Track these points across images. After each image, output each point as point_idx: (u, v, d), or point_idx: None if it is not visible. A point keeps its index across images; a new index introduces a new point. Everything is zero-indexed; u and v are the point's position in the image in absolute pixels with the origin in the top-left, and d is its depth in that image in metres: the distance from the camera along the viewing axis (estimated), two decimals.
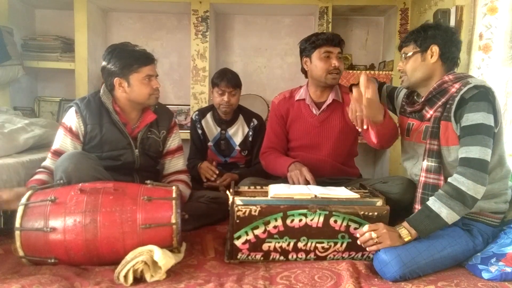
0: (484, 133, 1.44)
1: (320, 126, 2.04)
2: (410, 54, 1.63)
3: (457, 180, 1.43)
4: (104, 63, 1.79)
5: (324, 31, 2.02)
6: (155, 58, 1.83)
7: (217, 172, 2.33)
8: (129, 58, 1.75)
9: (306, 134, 2.06)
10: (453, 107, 1.51)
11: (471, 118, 1.46)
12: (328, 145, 2.04)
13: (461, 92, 1.50)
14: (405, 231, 1.46)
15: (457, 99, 1.51)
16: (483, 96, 1.48)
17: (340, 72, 1.97)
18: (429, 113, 1.61)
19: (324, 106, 2.03)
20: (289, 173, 1.87)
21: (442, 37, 1.60)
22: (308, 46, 1.99)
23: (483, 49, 1.96)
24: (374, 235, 1.45)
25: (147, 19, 3.35)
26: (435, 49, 1.59)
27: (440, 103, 1.57)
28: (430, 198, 1.49)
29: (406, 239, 1.45)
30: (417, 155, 1.68)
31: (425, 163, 1.59)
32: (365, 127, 1.66)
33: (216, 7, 3.15)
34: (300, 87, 2.14)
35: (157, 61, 1.85)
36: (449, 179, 1.47)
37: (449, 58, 1.61)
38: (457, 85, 1.54)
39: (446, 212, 1.42)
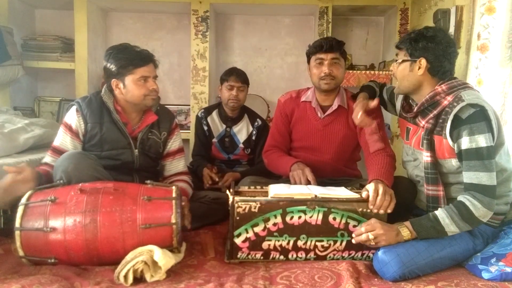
0: (490, 157, 1.45)
1: (323, 130, 2.03)
2: (400, 61, 1.61)
3: (474, 205, 1.44)
4: (104, 63, 1.80)
5: (322, 36, 2.00)
6: (153, 59, 1.81)
7: (217, 179, 2.35)
8: (125, 60, 1.74)
9: (308, 136, 2.06)
10: (447, 125, 1.49)
11: (475, 140, 1.44)
12: (330, 149, 2.04)
13: (455, 110, 1.47)
14: (406, 231, 1.47)
15: (451, 117, 1.48)
16: (481, 116, 1.45)
17: (334, 77, 1.95)
18: (422, 122, 1.60)
19: (330, 111, 2.02)
20: (291, 173, 1.87)
21: (433, 50, 1.53)
22: (307, 53, 2.03)
23: (481, 49, 1.96)
24: (371, 236, 1.47)
25: (147, 19, 3.35)
26: (423, 62, 1.54)
27: (432, 115, 1.55)
28: (439, 209, 1.49)
29: (405, 238, 1.46)
30: (418, 160, 1.69)
31: (424, 175, 1.60)
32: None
33: (216, 7, 3.15)
34: (308, 88, 2.13)
35: (158, 62, 1.83)
36: (465, 201, 1.45)
37: (440, 71, 1.55)
38: (449, 98, 1.52)
39: (453, 229, 1.46)
